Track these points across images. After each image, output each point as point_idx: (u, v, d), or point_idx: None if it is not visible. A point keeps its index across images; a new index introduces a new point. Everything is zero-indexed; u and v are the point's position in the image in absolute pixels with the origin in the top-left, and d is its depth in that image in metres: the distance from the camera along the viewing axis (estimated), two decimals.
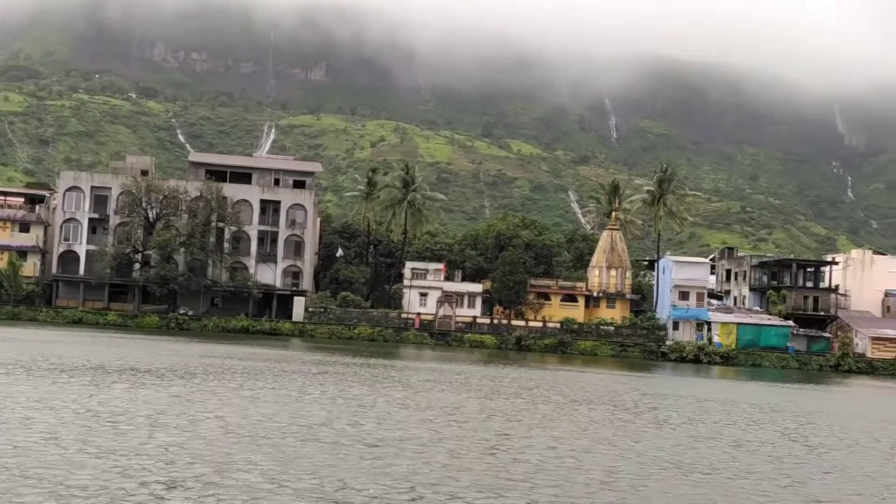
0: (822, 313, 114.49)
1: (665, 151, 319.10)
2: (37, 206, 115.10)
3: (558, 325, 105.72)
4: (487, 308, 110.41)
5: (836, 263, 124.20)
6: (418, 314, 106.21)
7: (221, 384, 34.57)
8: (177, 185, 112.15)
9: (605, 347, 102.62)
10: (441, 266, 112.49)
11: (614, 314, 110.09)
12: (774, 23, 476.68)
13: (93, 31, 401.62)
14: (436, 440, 23.03)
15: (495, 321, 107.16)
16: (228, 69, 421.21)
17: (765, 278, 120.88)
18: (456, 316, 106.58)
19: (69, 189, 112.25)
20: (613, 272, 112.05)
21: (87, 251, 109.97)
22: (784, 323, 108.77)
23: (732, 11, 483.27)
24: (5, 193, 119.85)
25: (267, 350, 64.97)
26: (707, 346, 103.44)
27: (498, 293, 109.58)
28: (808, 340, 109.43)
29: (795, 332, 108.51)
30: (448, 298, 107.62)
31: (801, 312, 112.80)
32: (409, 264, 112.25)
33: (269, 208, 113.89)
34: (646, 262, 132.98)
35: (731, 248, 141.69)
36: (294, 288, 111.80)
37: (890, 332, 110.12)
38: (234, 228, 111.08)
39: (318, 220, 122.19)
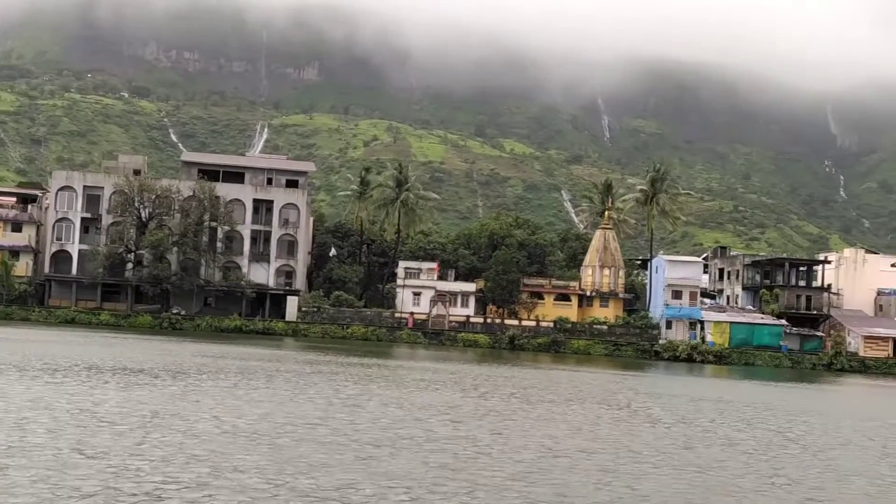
0: (815, 312, 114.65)
1: (658, 151, 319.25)
2: (29, 206, 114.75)
3: (551, 325, 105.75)
4: (481, 307, 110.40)
5: (829, 262, 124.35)
6: (412, 313, 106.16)
7: (215, 384, 34.53)
8: (169, 185, 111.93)
9: (598, 346, 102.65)
10: (434, 265, 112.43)
11: (607, 313, 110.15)
12: (767, 23, 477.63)
13: (85, 30, 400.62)
14: (430, 440, 23.02)
15: (489, 320, 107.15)
16: (221, 68, 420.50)
17: (757, 277, 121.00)
18: (449, 315, 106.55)
19: (61, 188, 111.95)
20: (606, 271, 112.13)
21: (79, 251, 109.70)
22: (777, 322, 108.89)
23: (725, 12, 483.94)
24: None
25: (260, 350, 64.91)
26: (700, 345, 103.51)
27: (491, 292, 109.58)
28: (800, 339, 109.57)
29: (788, 330, 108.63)
30: (441, 298, 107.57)
31: (793, 311, 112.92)
32: (402, 264, 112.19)
33: (262, 208, 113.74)
34: (639, 262, 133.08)
35: (723, 248, 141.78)
36: (287, 287, 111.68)
37: (882, 331, 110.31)
38: (226, 228, 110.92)
39: (311, 219, 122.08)
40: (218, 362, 47.08)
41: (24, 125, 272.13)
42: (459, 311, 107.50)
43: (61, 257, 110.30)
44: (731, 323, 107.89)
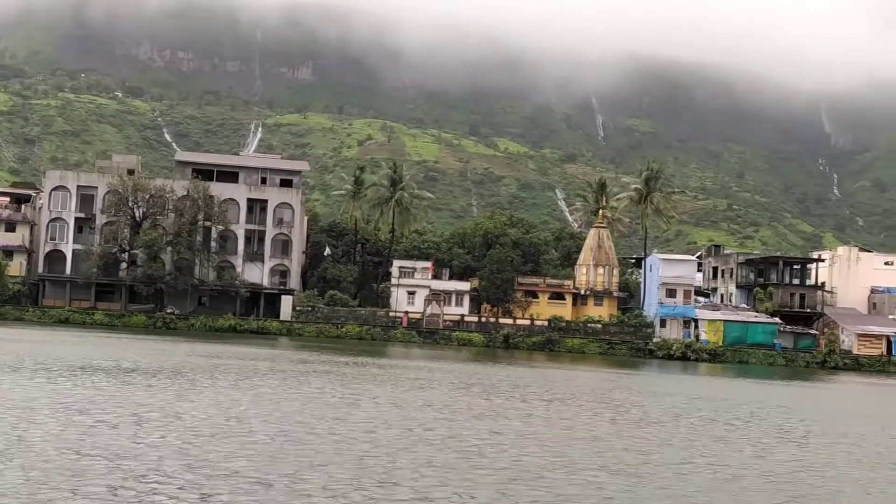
0: (809, 310, 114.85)
1: (652, 150, 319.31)
2: (23, 206, 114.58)
3: (546, 323, 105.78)
4: (475, 306, 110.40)
5: (823, 261, 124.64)
6: (406, 313, 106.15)
7: (209, 383, 34.51)
8: (163, 185, 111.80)
9: (592, 345, 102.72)
10: (429, 264, 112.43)
11: (602, 312, 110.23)
12: (761, 22, 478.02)
13: (79, 30, 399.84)
14: (425, 439, 23.04)
15: (483, 319, 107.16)
16: (215, 68, 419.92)
17: (751, 276, 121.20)
18: (444, 314, 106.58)
19: (55, 188, 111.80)
20: (601, 270, 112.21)
21: (73, 250, 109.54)
22: (771, 320, 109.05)
23: (720, 11, 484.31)
24: None
25: (254, 349, 64.87)
26: (694, 344, 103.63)
27: (486, 291, 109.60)
28: (794, 337, 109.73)
29: (782, 329, 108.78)
30: (436, 297, 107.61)
31: (787, 309, 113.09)
32: (396, 263, 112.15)
33: (257, 207, 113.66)
34: (633, 260, 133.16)
35: (717, 246, 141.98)
36: (281, 287, 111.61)
37: (875, 329, 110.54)
38: (221, 227, 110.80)
39: (306, 218, 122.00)
40: (211, 362, 47.05)
41: (18, 125, 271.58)
42: (454, 310, 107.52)
43: (55, 257, 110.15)
44: (725, 321, 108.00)
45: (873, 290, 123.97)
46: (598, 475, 19.34)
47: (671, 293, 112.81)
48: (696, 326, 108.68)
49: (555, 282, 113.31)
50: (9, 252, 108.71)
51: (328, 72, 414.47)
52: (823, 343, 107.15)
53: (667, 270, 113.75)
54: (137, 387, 31.47)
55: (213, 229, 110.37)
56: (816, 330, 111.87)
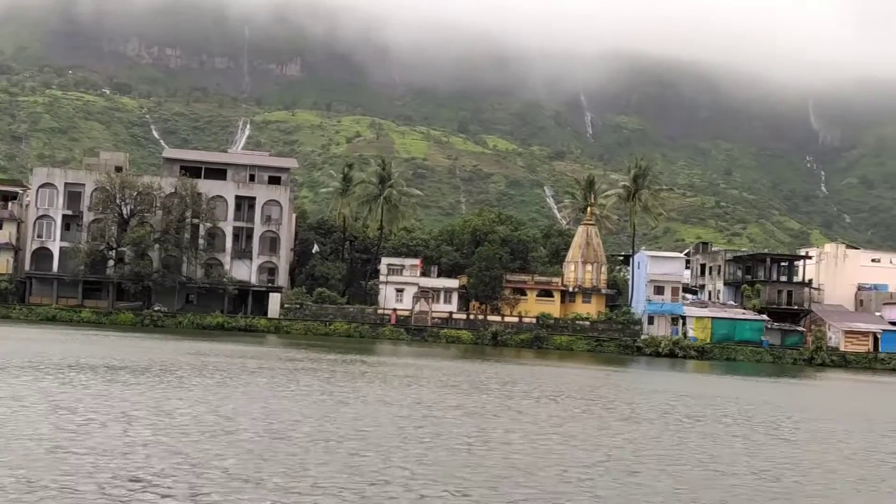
0: (796, 307, 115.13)
1: (640, 147, 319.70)
2: (9, 203, 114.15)
3: (534, 321, 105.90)
4: (464, 303, 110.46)
5: (810, 258, 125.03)
6: (394, 310, 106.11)
7: (196, 381, 34.44)
8: (151, 182, 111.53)
9: (580, 342, 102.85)
10: (417, 262, 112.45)
11: (590, 309, 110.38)
12: (749, 19, 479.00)
13: (66, 26, 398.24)
14: (414, 437, 23.03)
15: (471, 316, 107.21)
16: (203, 65, 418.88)
17: (739, 273, 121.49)
18: (432, 311, 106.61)
19: (42, 185, 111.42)
20: (589, 267, 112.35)
21: (60, 248, 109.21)
22: (758, 317, 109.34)
23: (708, 9, 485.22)
24: None
25: (242, 347, 64.78)
26: (682, 341, 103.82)
27: (474, 288, 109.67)
28: (781, 334, 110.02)
29: (769, 326, 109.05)
30: (424, 294, 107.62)
31: (774, 306, 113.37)
32: (385, 260, 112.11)
33: (245, 204, 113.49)
34: (621, 257, 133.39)
35: (705, 243, 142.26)
36: (269, 284, 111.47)
37: (862, 326, 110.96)
38: (208, 225, 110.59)
39: (294, 216, 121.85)
40: (199, 360, 46.96)
41: (5, 122, 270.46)
42: (442, 308, 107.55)
43: (42, 254, 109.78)
44: (712, 318, 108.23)
45: (860, 287, 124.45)
46: (588, 472, 19.36)
47: (659, 290, 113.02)
48: (684, 323, 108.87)
49: (543, 279, 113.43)
50: None
51: (316, 68, 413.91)
52: (811, 340, 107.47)
53: (655, 268, 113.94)
54: (125, 385, 31.38)
55: (201, 226, 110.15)
56: (804, 327, 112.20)
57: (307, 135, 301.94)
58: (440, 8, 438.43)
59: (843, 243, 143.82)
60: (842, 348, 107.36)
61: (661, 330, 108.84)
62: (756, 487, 19.28)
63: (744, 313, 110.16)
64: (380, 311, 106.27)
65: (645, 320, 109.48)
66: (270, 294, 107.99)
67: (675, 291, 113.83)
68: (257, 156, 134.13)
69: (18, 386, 29.09)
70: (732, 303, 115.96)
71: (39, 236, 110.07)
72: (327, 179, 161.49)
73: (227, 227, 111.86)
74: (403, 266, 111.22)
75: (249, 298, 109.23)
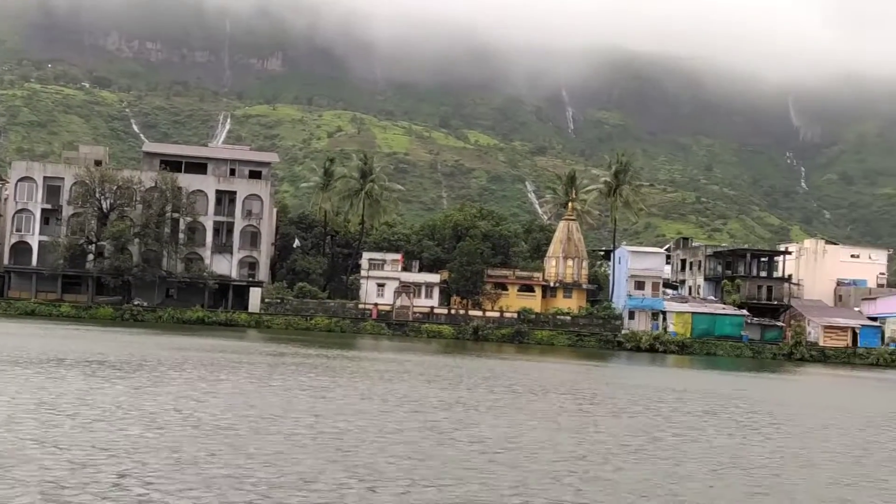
0: (776, 302, 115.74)
1: (621, 142, 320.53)
2: None
3: (515, 315, 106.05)
4: (445, 298, 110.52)
5: (790, 253, 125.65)
6: (375, 305, 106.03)
7: (176, 375, 34.30)
8: (131, 176, 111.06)
9: (561, 337, 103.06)
10: (398, 256, 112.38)
11: (571, 304, 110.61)
12: (730, 15, 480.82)
13: (45, 19, 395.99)
14: (395, 431, 23.00)
15: (453, 311, 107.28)
16: (183, 58, 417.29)
17: (719, 268, 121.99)
18: (413, 306, 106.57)
19: (21, 179, 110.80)
20: (570, 262, 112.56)
21: (39, 242, 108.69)
22: (738, 312, 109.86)
23: (689, 4, 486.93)
24: None
25: (223, 341, 64.58)
26: (662, 336, 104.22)
27: (455, 283, 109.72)
28: (761, 329, 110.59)
29: (749, 321, 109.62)
30: (405, 289, 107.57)
31: (754, 302, 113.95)
32: (366, 255, 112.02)
33: (225, 199, 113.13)
34: (602, 252, 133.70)
35: (686, 239, 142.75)
36: (250, 279, 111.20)
37: (841, 321, 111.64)
38: (189, 219, 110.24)
39: (275, 210, 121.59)
40: (179, 354, 46.78)
41: None
42: (423, 303, 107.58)
43: (21, 249, 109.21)
44: (692, 313, 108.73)
45: (839, 283, 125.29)
46: (569, 466, 19.37)
47: (640, 285, 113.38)
48: (665, 318, 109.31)
49: (524, 274, 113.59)
50: None
51: (298, 63, 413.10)
52: (790, 335, 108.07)
53: (635, 263, 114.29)
54: (105, 380, 31.21)
55: (182, 221, 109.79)
56: (783, 322, 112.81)
57: (288, 129, 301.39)
58: (421, 2, 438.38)
59: (823, 239, 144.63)
60: (821, 343, 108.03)
61: (641, 325, 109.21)
62: (737, 482, 19.34)
63: (724, 308, 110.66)
64: (361, 306, 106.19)
65: (626, 315, 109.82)
66: (251, 289, 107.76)
67: (655, 286, 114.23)
68: (238, 150, 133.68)
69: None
70: (712, 298, 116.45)
71: (18, 230, 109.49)
72: (308, 174, 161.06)
73: (208, 222, 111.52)
74: (385, 261, 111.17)
75: (230, 293, 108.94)
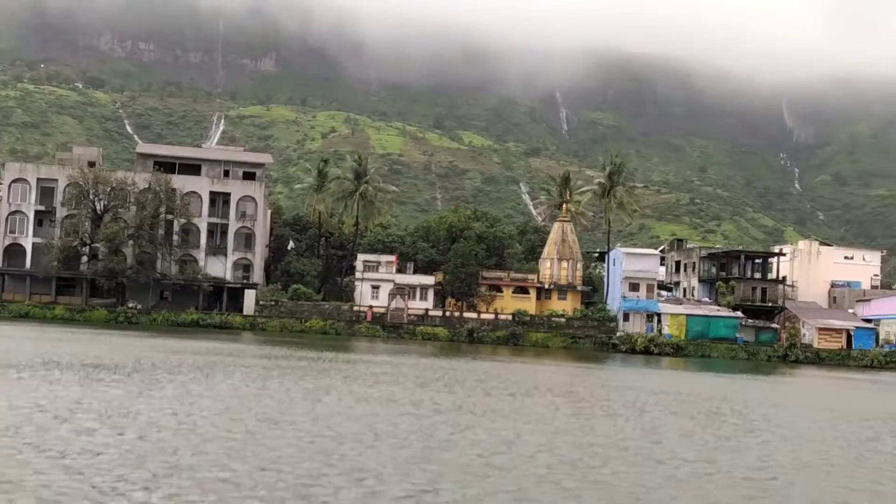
0: (770, 304, 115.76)
1: (615, 143, 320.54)
2: None
3: (510, 317, 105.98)
4: (440, 300, 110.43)
5: (784, 255, 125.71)
6: (370, 307, 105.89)
7: (170, 378, 34.21)
8: (125, 177, 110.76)
9: (556, 339, 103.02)
10: (393, 258, 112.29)
11: (565, 306, 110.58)
12: (724, 16, 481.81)
13: (38, 19, 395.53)
14: (391, 434, 22.96)
15: (447, 313, 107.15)
16: (177, 59, 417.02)
17: (713, 270, 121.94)
18: (408, 308, 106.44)
19: (14, 181, 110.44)
20: (564, 264, 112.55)
21: (33, 244, 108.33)
22: (732, 314, 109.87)
23: (683, 5, 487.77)
24: None
25: (217, 344, 64.47)
26: (657, 338, 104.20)
27: (450, 285, 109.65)
28: (756, 331, 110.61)
29: (744, 322, 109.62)
30: (400, 291, 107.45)
31: (749, 303, 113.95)
32: (360, 257, 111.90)
33: (219, 200, 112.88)
34: (596, 254, 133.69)
35: (680, 240, 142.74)
36: (244, 281, 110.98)
37: (836, 323, 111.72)
38: (183, 221, 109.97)
39: (269, 212, 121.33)
40: (174, 357, 46.68)
41: None
42: (418, 305, 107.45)
43: (14, 251, 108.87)
44: (687, 315, 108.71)
45: (833, 285, 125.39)
46: (567, 469, 19.35)
47: (634, 287, 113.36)
48: (659, 320, 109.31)
49: (519, 276, 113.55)
50: None
51: (291, 63, 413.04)
52: (784, 337, 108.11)
53: (630, 264, 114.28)
54: (99, 383, 31.13)
55: (176, 222, 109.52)
56: (778, 324, 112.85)
57: (282, 130, 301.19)
58: (414, 3, 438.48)
59: (817, 240, 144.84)
60: (815, 345, 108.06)
61: (636, 327, 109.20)
62: (729, 484, 19.34)
63: (718, 310, 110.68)
64: (355, 308, 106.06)
65: (620, 317, 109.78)
66: (245, 291, 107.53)
67: (650, 288, 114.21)
68: (232, 151, 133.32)
69: None
70: (707, 300, 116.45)
71: (12, 232, 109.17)
72: (302, 175, 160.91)
73: (202, 223, 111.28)
74: (379, 263, 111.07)
75: (224, 295, 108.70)
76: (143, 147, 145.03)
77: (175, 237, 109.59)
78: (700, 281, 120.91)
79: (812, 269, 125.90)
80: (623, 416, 31.35)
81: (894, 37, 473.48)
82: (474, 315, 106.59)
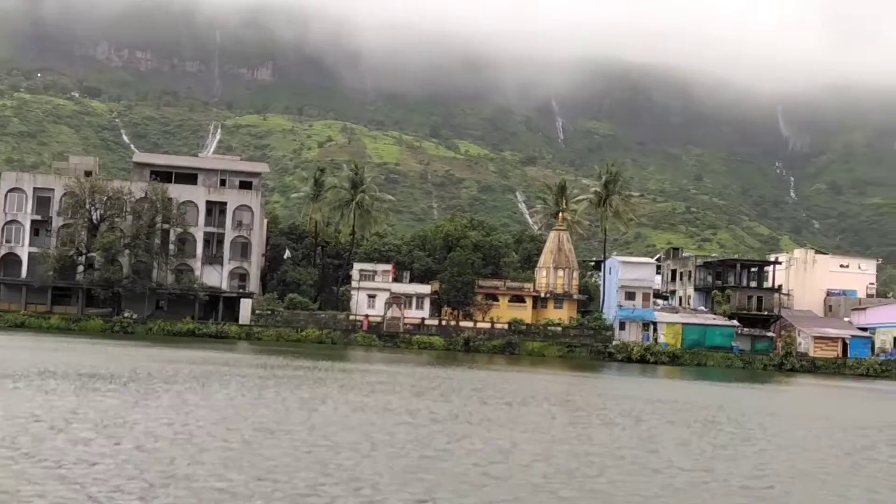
0: (766, 313, 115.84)
1: (611, 152, 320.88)
2: None
3: (506, 326, 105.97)
4: (436, 309, 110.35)
5: (780, 263, 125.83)
6: (366, 316, 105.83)
7: (166, 388, 34.18)
8: (121, 186, 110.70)
9: (552, 348, 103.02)
10: (389, 267, 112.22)
11: (562, 314, 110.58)
12: (719, 25, 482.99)
13: (35, 29, 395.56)
14: (388, 443, 22.96)
15: (444, 322, 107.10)
16: (173, 68, 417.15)
17: (709, 278, 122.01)
18: (404, 317, 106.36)
19: (11, 190, 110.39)
20: (561, 273, 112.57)
21: (29, 253, 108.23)
22: (728, 323, 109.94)
23: (678, 14, 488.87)
24: None
25: (214, 353, 64.42)
26: (653, 346, 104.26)
27: (446, 294, 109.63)
28: (752, 340, 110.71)
29: (740, 331, 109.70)
30: (396, 300, 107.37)
31: (745, 312, 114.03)
32: (357, 266, 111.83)
33: (216, 209, 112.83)
34: (592, 263, 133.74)
35: (676, 249, 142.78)
36: (241, 290, 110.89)
37: (831, 332, 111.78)
38: (179, 230, 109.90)
39: (265, 221, 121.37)
40: (170, 367, 46.64)
41: None
42: (414, 314, 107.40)
43: (10, 260, 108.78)
44: (683, 324, 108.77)
45: (829, 293, 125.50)
46: (563, 478, 19.36)
47: (630, 296, 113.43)
48: (655, 329, 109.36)
49: (515, 285, 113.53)
50: None
51: (288, 73, 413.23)
52: (780, 345, 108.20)
53: (626, 273, 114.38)
54: (95, 392, 31.10)
55: (172, 232, 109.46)
56: (773, 332, 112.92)
57: (279, 139, 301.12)
58: (411, 12, 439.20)
59: (812, 249, 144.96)
60: (811, 354, 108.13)
61: (632, 335, 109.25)
62: (726, 493, 19.36)
63: (714, 319, 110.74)
64: (352, 317, 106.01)
65: (616, 326, 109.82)
66: (241, 300, 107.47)
67: (646, 297, 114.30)
68: (228, 160, 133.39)
69: None
70: (703, 308, 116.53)
71: (8, 241, 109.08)
72: (299, 184, 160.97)
73: (198, 233, 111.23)
74: (375, 272, 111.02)
75: (220, 305, 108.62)
76: (140, 156, 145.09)
77: (171, 246, 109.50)
78: (696, 290, 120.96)
79: (808, 278, 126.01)
80: (619, 425, 31.36)
81: (889, 46, 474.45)
82: (470, 324, 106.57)
